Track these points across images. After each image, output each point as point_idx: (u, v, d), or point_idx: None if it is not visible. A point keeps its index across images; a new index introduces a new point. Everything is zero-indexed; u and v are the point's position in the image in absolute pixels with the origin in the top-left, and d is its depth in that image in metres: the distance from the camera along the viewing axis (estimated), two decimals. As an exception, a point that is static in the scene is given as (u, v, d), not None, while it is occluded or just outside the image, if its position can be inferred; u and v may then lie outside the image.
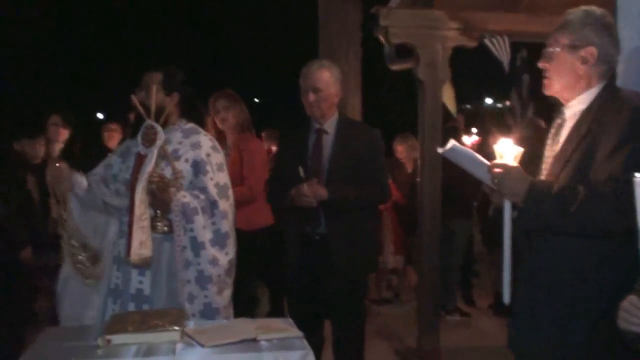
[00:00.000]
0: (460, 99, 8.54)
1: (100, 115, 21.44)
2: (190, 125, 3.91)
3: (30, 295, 6.00)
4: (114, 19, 19.75)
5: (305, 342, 2.96)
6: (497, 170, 2.71)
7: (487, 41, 5.73)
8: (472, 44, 5.80)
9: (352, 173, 4.34)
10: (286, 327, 3.11)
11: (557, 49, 2.77)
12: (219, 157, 3.87)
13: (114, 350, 2.80)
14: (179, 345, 2.85)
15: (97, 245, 3.89)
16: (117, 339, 2.86)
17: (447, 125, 6.67)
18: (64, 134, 6.73)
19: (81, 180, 3.86)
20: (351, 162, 4.36)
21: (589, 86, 2.75)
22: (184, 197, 3.66)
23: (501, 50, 5.80)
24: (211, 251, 3.70)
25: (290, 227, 4.51)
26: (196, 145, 3.80)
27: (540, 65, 2.83)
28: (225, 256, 3.78)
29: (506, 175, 2.69)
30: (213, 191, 3.75)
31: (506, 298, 2.88)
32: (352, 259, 4.35)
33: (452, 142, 2.91)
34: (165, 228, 3.72)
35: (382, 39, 5.84)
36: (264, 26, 19.71)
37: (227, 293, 3.83)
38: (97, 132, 8.52)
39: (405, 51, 5.98)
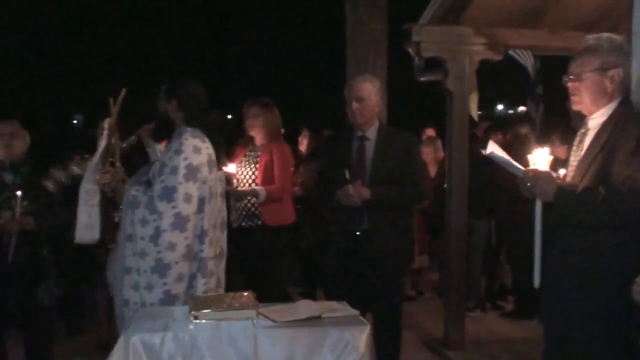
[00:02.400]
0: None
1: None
2: (187, 129, 4.10)
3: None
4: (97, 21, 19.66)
5: (363, 319, 3.44)
6: (530, 174, 3.20)
7: (512, 52, 6.20)
8: (497, 57, 6.31)
9: (392, 175, 4.83)
10: (345, 307, 3.59)
11: (587, 71, 3.24)
12: (178, 160, 3.97)
13: (202, 324, 3.27)
14: (256, 322, 3.31)
15: None
16: (203, 315, 3.32)
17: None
18: None
19: None
20: (391, 166, 4.85)
21: (610, 100, 3.25)
22: (135, 190, 4.03)
23: (525, 58, 6.27)
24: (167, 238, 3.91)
25: (336, 225, 4.99)
26: (168, 148, 4.12)
27: (570, 84, 3.31)
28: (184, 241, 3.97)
29: (538, 179, 3.18)
30: (156, 190, 3.96)
31: (536, 283, 3.35)
32: (392, 253, 4.83)
33: (490, 147, 3.41)
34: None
35: (412, 52, 6.31)
36: (293, 38, 19.94)
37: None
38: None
39: (432, 64, 6.47)
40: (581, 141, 3.33)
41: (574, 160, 3.34)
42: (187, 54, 20.76)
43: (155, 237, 3.91)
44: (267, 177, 5.92)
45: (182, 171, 3.94)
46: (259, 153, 6.02)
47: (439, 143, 8.50)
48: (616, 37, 3.27)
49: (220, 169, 4.29)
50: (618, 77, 3.22)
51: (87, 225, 4.39)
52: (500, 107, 26.63)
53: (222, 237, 4.28)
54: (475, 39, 6.18)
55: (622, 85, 3.25)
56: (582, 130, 3.35)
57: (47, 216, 5.03)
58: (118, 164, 4.47)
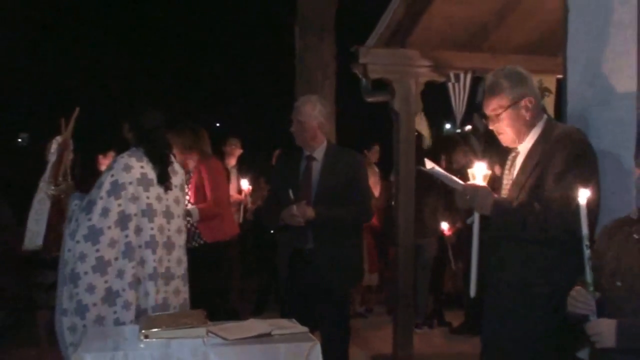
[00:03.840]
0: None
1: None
2: (133, 150, 4.33)
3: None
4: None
5: (311, 336, 3.52)
6: (469, 188, 3.36)
7: (449, 85, 6.40)
8: (441, 79, 6.49)
9: (338, 195, 4.88)
10: (294, 325, 3.67)
11: (502, 111, 3.41)
12: (106, 177, 4.18)
13: (152, 342, 3.32)
14: (206, 340, 3.37)
15: None
16: (153, 334, 3.37)
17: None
18: None
19: None
20: (337, 185, 4.90)
21: (533, 126, 3.44)
22: (74, 204, 4.24)
23: (459, 92, 6.45)
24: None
25: (283, 243, 5.06)
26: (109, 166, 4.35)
27: (491, 126, 3.49)
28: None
29: (477, 193, 3.33)
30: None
31: (472, 292, 3.52)
32: (337, 272, 4.88)
33: (429, 164, 3.55)
34: None
35: (359, 74, 6.44)
36: (242, 59, 19.98)
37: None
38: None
39: (379, 85, 6.61)
40: (512, 165, 3.51)
41: (506, 183, 3.50)
42: (139, 74, 20.61)
43: (73, 246, 4.08)
44: (200, 196, 6.06)
45: (106, 187, 4.13)
46: (191, 174, 6.18)
47: (373, 165, 8.69)
48: (513, 70, 3.46)
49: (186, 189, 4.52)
50: (531, 104, 3.40)
51: (34, 232, 4.54)
52: (448, 126, 26.97)
53: (170, 258, 4.33)
54: (420, 61, 6.35)
55: (537, 110, 3.43)
56: (513, 154, 3.53)
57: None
58: (69, 178, 4.63)
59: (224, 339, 3.39)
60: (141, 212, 4.16)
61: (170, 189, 4.36)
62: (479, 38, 6.40)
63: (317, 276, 4.85)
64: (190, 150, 6.19)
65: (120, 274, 4.08)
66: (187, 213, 5.88)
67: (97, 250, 4.05)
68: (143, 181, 4.20)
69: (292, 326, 3.65)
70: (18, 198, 6.14)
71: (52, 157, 4.58)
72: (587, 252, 2.71)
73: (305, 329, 3.60)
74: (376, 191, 8.37)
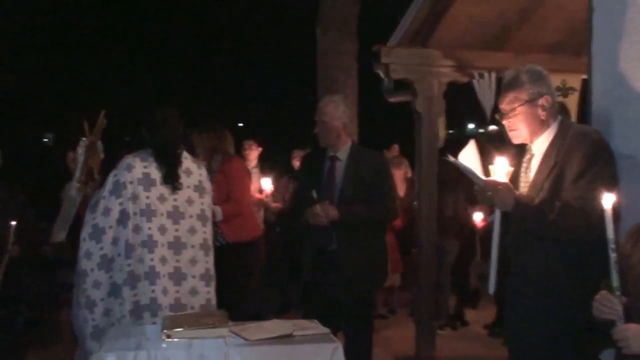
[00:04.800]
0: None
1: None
2: (141, 150, 4.42)
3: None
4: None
5: (333, 337, 3.51)
6: (491, 185, 3.33)
7: (475, 82, 6.35)
8: (464, 79, 6.45)
9: (361, 195, 4.89)
10: (316, 325, 3.66)
11: (518, 106, 3.38)
12: (110, 177, 4.29)
13: (174, 342, 3.33)
14: (228, 340, 3.38)
15: None
16: (176, 334, 3.38)
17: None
18: None
19: None
20: (360, 185, 4.91)
21: (548, 126, 3.41)
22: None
23: (485, 89, 6.40)
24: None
25: (307, 244, 5.06)
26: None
27: (505, 122, 3.46)
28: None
29: (498, 189, 3.31)
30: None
31: (491, 289, 3.53)
32: (361, 272, 4.88)
33: (467, 149, 3.56)
34: None
35: (381, 74, 6.42)
36: (263, 59, 19.99)
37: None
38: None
39: (402, 85, 6.59)
40: (528, 167, 3.47)
41: (523, 185, 3.46)
42: (163, 75, 20.68)
43: (81, 244, 4.23)
44: (223, 196, 6.03)
45: (108, 186, 4.24)
46: (214, 174, 6.16)
47: (405, 162, 8.60)
48: (534, 68, 3.44)
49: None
50: (548, 104, 3.38)
51: (60, 228, 4.70)
52: (471, 126, 26.89)
53: (180, 258, 4.32)
54: (442, 62, 6.33)
55: (553, 110, 3.40)
56: (528, 156, 3.50)
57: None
58: (97, 176, 4.82)
59: (246, 339, 3.38)
60: (140, 211, 4.21)
61: (180, 189, 4.37)
62: (502, 38, 6.36)
63: (341, 277, 4.86)
64: (214, 150, 6.21)
65: (121, 269, 4.17)
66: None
67: (101, 249, 4.18)
68: (144, 181, 4.25)
69: (314, 327, 3.64)
70: (44, 197, 6.20)
71: (80, 158, 4.75)
72: (612, 256, 2.67)
73: (327, 330, 3.59)
74: (401, 191, 8.36)
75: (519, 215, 3.29)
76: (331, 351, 3.34)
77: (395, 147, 10.28)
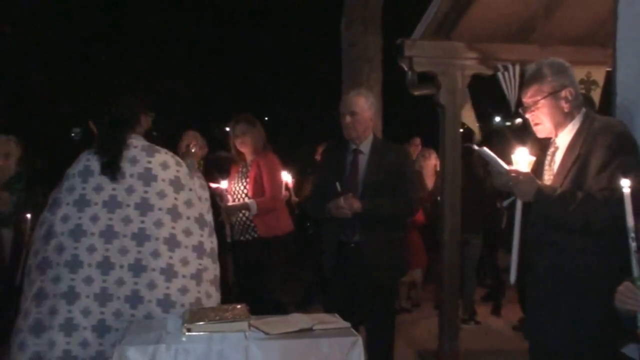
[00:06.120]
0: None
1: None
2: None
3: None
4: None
5: (353, 331, 3.50)
6: (513, 174, 3.31)
7: (499, 74, 6.29)
8: (488, 72, 6.38)
9: (384, 188, 4.88)
10: (336, 319, 3.65)
11: (541, 99, 3.36)
12: None
13: (195, 336, 3.34)
14: (248, 334, 3.38)
15: None
16: (196, 327, 3.39)
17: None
18: None
19: None
20: (384, 179, 4.90)
21: (572, 118, 3.38)
22: None
23: (510, 81, 6.33)
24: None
25: (329, 236, 5.05)
26: None
27: (529, 115, 3.44)
28: None
29: (520, 179, 3.29)
30: None
31: (512, 279, 3.52)
32: (383, 265, 4.88)
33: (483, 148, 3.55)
34: None
35: (405, 67, 6.39)
36: (288, 53, 20.02)
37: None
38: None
39: (425, 78, 6.55)
40: (552, 160, 3.45)
41: (548, 178, 3.43)
42: (184, 67, 20.78)
43: None
44: (258, 190, 6.09)
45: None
46: (249, 168, 6.21)
47: (434, 154, 8.55)
48: (556, 60, 3.42)
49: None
50: (571, 96, 3.35)
51: None
52: (497, 119, 26.71)
53: (142, 249, 4.00)
54: (466, 54, 6.27)
55: (576, 102, 3.37)
56: (552, 149, 3.47)
57: None
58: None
59: (266, 333, 3.39)
60: (73, 201, 4.05)
61: (123, 178, 4.08)
62: (527, 30, 6.28)
63: (364, 269, 4.85)
64: (244, 143, 6.23)
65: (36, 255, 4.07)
66: (245, 206, 6.07)
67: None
68: (83, 173, 4.12)
69: (334, 321, 3.63)
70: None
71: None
72: (633, 245, 2.63)
73: (347, 324, 3.58)
74: (431, 183, 8.33)
75: (540, 205, 3.26)
76: (351, 345, 3.34)
77: (417, 141, 10.24)
